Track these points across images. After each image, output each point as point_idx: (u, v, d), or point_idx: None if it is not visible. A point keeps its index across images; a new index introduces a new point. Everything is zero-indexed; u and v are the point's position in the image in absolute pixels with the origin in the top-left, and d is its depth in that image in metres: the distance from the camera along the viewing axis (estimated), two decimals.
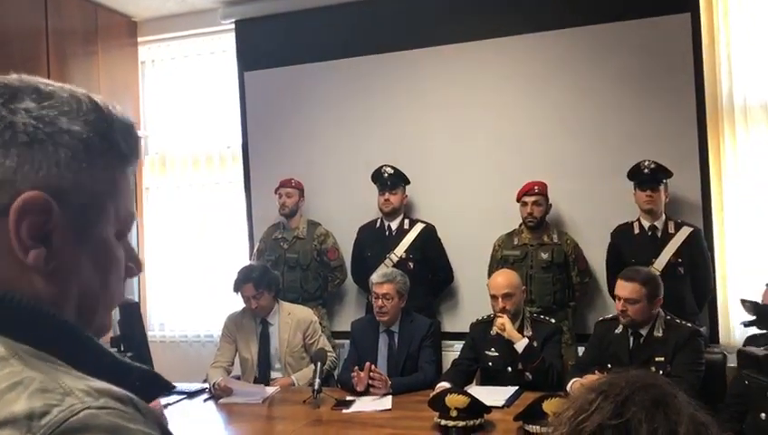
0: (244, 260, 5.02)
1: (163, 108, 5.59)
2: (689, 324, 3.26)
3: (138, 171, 5.44)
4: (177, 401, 3.51)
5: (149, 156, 5.59)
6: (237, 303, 4.03)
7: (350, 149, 4.90)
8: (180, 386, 3.74)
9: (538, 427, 2.63)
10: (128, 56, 5.45)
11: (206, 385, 3.69)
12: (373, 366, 3.46)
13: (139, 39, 5.52)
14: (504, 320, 3.44)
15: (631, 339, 3.24)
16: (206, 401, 3.55)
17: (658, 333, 3.19)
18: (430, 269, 4.55)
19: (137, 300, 5.00)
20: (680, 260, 3.96)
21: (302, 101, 5.01)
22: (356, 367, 3.46)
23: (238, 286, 3.86)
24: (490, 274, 3.98)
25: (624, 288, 3.18)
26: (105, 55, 5.18)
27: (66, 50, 4.86)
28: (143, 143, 5.54)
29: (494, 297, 3.53)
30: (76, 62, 4.95)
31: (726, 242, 4.25)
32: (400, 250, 4.47)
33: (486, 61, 4.64)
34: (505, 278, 3.57)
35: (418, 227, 4.54)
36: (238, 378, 3.85)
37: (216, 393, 3.54)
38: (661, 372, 2.99)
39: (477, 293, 4.15)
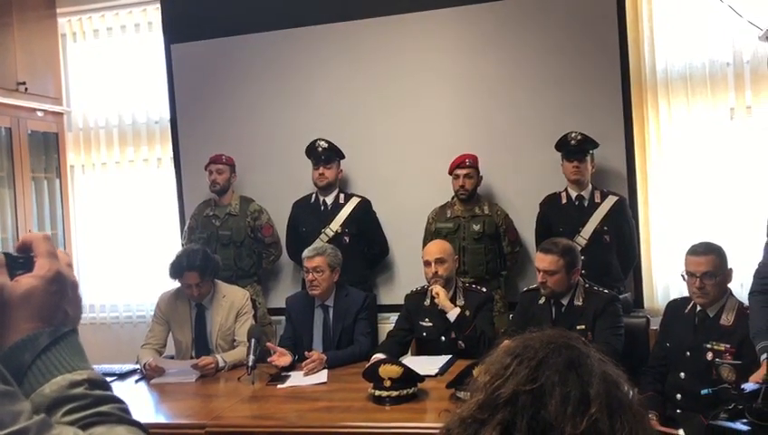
0: (175, 239, 4.91)
1: (87, 83, 5.37)
2: (606, 291, 3.34)
3: (60, 149, 5.23)
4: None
5: (73, 132, 5.38)
6: (169, 282, 3.93)
7: (282, 123, 4.82)
8: (112, 368, 3.66)
9: (469, 393, 2.67)
10: (46, 29, 5.19)
11: (138, 366, 3.61)
12: (306, 353, 3.47)
13: (59, 10, 5.27)
14: (438, 289, 3.49)
15: (554, 309, 3.32)
16: (137, 381, 3.48)
17: (578, 302, 3.28)
18: (366, 243, 4.55)
19: None
20: (606, 228, 4.08)
21: (232, 74, 4.90)
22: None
23: (179, 273, 3.65)
24: (424, 246, 4.02)
25: (543, 260, 3.25)
26: (21, 28, 4.92)
27: None
28: (66, 119, 5.32)
29: (427, 263, 3.59)
30: None
31: (650, 210, 4.40)
32: (336, 225, 4.45)
33: (417, 34, 4.63)
34: (438, 246, 3.67)
35: (354, 202, 4.53)
36: (171, 358, 3.78)
37: (148, 374, 3.47)
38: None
39: (412, 265, 4.19)
